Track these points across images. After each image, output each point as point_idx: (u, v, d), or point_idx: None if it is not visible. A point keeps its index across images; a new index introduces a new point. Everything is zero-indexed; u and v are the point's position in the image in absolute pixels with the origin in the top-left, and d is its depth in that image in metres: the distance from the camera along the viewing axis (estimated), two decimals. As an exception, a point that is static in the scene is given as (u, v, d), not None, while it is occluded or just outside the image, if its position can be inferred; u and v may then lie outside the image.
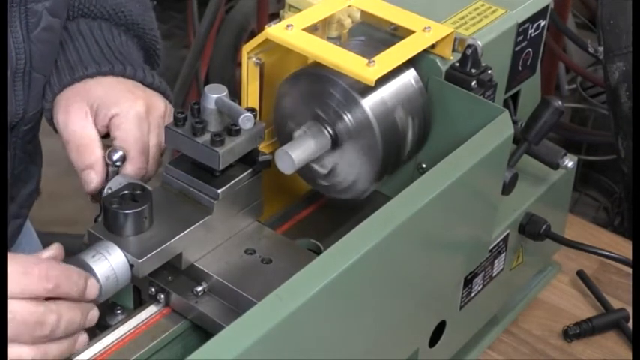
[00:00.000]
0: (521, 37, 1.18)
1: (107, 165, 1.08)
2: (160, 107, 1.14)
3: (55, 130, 1.14)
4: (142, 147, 1.09)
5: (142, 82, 1.15)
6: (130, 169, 1.08)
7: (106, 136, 1.12)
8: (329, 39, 1.10)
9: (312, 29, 1.06)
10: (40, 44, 1.10)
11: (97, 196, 1.09)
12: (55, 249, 0.96)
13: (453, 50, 1.08)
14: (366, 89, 1.02)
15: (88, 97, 1.11)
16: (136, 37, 1.21)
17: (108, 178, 1.07)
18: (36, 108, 1.15)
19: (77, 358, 0.96)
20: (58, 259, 0.95)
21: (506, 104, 1.23)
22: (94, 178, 1.08)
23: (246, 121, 0.97)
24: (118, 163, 1.07)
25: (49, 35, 1.11)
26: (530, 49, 1.21)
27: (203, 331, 1.01)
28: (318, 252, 1.09)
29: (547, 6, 1.21)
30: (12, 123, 1.13)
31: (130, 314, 1.02)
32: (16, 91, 1.10)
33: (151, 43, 1.24)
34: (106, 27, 1.19)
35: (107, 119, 1.10)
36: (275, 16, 1.18)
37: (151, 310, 1.02)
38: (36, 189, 1.30)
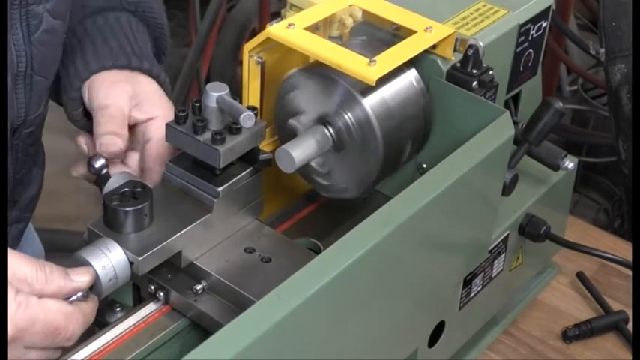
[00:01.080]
0: (523, 38, 1.18)
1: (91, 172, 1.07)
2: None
3: (73, 119, 1.16)
4: (169, 152, 1.11)
5: (165, 90, 1.18)
6: (159, 169, 1.08)
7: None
8: (330, 38, 1.10)
9: (313, 28, 1.06)
10: (42, 47, 1.10)
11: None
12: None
13: (455, 51, 1.08)
14: (367, 89, 1.02)
15: (134, 86, 1.13)
16: (147, 25, 1.24)
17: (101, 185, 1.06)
18: (37, 111, 1.14)
19: (76, 355, 0.96)
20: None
21: (507, 105, 1.23)
22: (120, 143, 1.09)
23: (247, 119, 0.98)
24: (103, 171, 1.06)
25: (50, 37, 1.11)
26: (531, 50, 1.21)
27: (202, 329, 1.01)
28: (317, 251, 1.09)
29: (549, 7, 1.21)
30: (13, 126, 1.13)
31: (129, 312, 1.02)
32: (17, 94, 1.10)
33: (163, 39, 1.26)
34: (134, 21, 1.21)
35: (147, 116, 1.12)
36: (276, 15, 1.18)
37: (150, 307, 1.02)
38: (38, 192, 1.30)
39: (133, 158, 1.14)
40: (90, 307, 0.95)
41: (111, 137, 1.09)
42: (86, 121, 1.17)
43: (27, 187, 1.26)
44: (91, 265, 0.94)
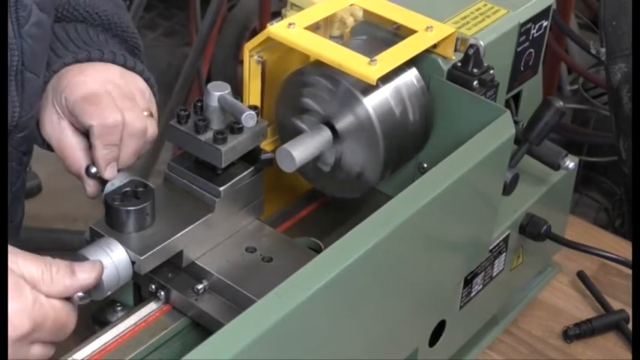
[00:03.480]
0: (524, 37, 1.18)
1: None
2: (140, 84, 1.12)
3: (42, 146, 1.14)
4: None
5: (123, 66, 1.13)
6: (128, 150, 1.05)
7: None
8: (331, 38, 1.10)
9: (314, 28, 1.06)
10: (31, 40, 1.08)
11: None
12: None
13: (455, 50, 1.08)
14: (367, 88, 1.03)
15: (54, 90, 1.09)
16: (116, 36, 1.19)
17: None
18: (29, 112, 1.12)
19: (77, 355, 0.96)
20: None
21: (507, 104, 1.23)
22: (90, 186, 1.06)
23: (248, 119, 0.98)
24: (95, 175, 1.06)
25: (39, 31, 1.09)
26: (532, 50, 1.21)
27: (203, 328, 1.01)
28: (318, 250, 1.09)
29: (549, 6, 1.21)
30: (9, 129, 1.11)
31: (129, 311, 1.02)
32: (10, 93, 1.09)
33: (132, 41, 1.21)
34: (82, 29, 1.17)
35: (63, 102, 1.08)
36: (277, 15, 1.18)
37: (151, 307, 1.03)
38: (22, 217, 1.28)
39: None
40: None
41: (83, 181, 1.07)
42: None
43: (20, 205, 1.24)
44: (88, 259, 0.94)
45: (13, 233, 1.23)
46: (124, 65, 1.12)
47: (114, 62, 1.12)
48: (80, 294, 0.93)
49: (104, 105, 1.04)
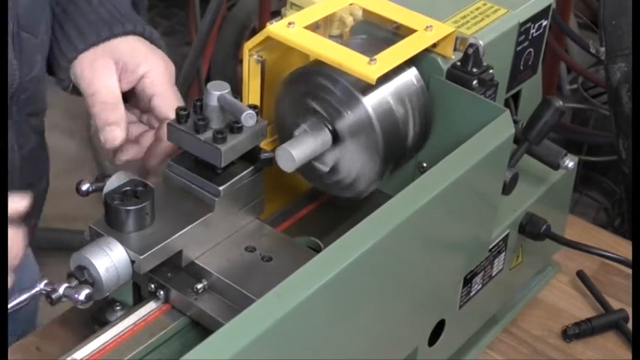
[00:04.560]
0: (523, 36, 1.18)
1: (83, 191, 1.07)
2: (171, 65, 1.18)
3: (67, 88, 1.16)
4: (178, 96, 1.14)
5: (154, 42, 1.18)
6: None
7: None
8: (330, 37, 1.10)
9: (313, 27, 1.06)
10: (25, 0, 1.09)
11: (117, 155, 1.11)
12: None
13: (455, 49, 1.08)
14: (367, 87, 1.03)
15: (113, 55, 1.13)
16: None
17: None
18: (29, 73, 1.13)
19: (76, 355, 0.96)
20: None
21: (507, 104, 1.23)
22: (119, 135, 1.09)
23: (248, 118, 0.98)
24: (85, 193, 1.07)
25: None
26: (531, 49, 1.21)
27: (202, 328, 1.01)
28: (318, 250, 1.09)
29: (549, 6, 1.21)
30: (11, 92, 1.12)
31: (129, 311, 1.02)
32: (8, 55, 1.09)
33: None
34: None
35: (137, 76, 1.13)
36: (277, 14, 1.18)
37: (151, 306, 1.03)
38: (45, 189, 1.29)
39: (147, 137, 1.15)
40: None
41: (110, 130, 1.09)
42: (77, 93, 1.17)
43: (43, 169, 1.25)
44: (92, 264, 0.94)
45: (39, 203, 1.25)
46: (154, 42, 1.18)
47: (150, 39, 1.17)
48: (82, 298, 0.93)
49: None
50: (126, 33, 1.15)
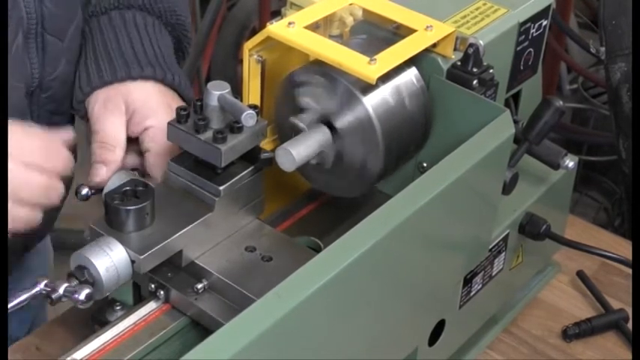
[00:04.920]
0: (523, 36, 1.18)
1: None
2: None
3: (82, 117, 1.16)
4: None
5: (176, 90, 1.16)
6: (161, 179, 1.09)
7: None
8: (330, 37, 1.10)
9: (313, 27, 1.06)
10: (51, 3, 1.09)
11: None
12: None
13: (455, 49, 1.08)
14: (367, 87, 1.03)
15: (126, 99, 1.12)
16: (168, 25, 1.21)
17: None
18: (52, 73, 1.14)
19: (77, 354, 0.96)
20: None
21: (507, 104, 1.23)
22: (103, 174, 1.08)
23: (248, 118, 0.98)
24: (85, 197, 1.08)
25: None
26: (531, 49, 1.21)
27: (202, 328, 1.01)
28: (318, 250, 1.09)
29: (549, 5, 1.21)
30: (29, 89, 1.13)
31: (129, 311, 1.02)
32: (29, 54, 1.09)
33: (182, 30, 1.24)
34: (157, 25, 1.19)
35: (141, 128, 1.11)
36: (277, 14, 1.18)
37: (151, 306, 1.03)
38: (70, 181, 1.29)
39: (129, 160, 1.14)
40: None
41: (97, 168, 1.09)
42: None
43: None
44: (92, 263, 0.94)
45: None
46: (177, 89, 1.16)
47: (172, 86, 1.16)
48: (82, 298, 0.93)
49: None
50: (143, 77, 1.14)
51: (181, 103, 1.14)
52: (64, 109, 1.21)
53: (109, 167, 1.08)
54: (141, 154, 1.13)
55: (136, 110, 1.11)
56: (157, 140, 1.10)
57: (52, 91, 1.16)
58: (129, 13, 1.18)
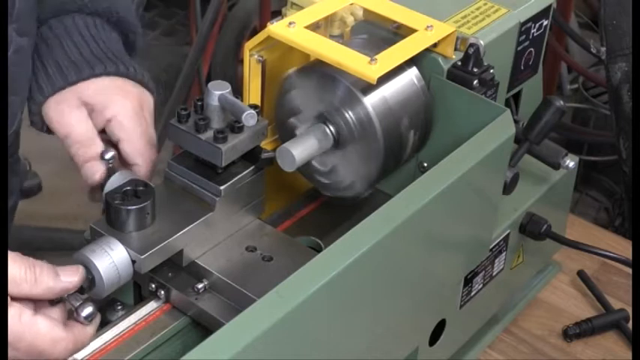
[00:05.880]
0: (524, 36, 1.18)
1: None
2: (150, 102, 1.14)
3: (42, 129, 1.14)
4: (148, 140, 1.10)
5: (132, 79, 1.14)
6: (143, 163, 1.08)
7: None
8: (331, 37, 1.10)
9: (314, 27, 1.06)
10: (12, 67, 1.08)
11: (95, 193, 1.08)
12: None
13: (455, 49, 1.08)
14: (367, 87, 1.03)
15: (80, 96, 1.11)
16: (110, 22, 1.20)
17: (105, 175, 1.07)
18: (12, 128, 1.13)
19: (77, 354, 0.96)
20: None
21: (507, 104, 1.23)
22: (97, 170, 1.07)
23: (249, 118, 0.98)
24: (111, 161, 1.07)
25: (19, 57, 1.09)
26: (532, 49, 1.21)
27: (203, 328, 1.01)
28: (318, 250, 1.09)
29: (550, 5, 1.21)
30: None
31: (129, 310, 1.02)
32: None
33: (126, 26, 1.22)
34: (99, 24, 1.17)
35: (103, 119, 1.10)
36: (277, 14, 1.18)
37: (151, 306, 1.03)
38: (16, 202, 1.28)
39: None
40: (85, 333, 0.94)
41: (88, 167, 1.08)
42: (53, 132, 1.15)
43: (7, 197, 1.24)
44: (93, 263, 0.94)
45: (9, 217, 1.23)
46: (132, 78, 1.14)
47: (126, 76, 1.13)
48: (87, 313, 0.92)
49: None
50: (95, 76, 1.12)
51: (136, 86, 1.14)
52: (17, 152, 1.20)
53: (98, 161, 1.07)
54: (114, 146, 1.12)
55: (92, 105, 1.10)
56: (124, 128, 1.09)
57: (11, 141, 1.15)
58: (68, 19, 1.16)
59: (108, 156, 1.07)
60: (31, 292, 0.89)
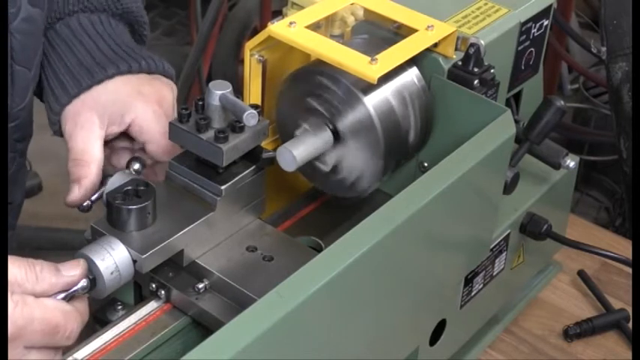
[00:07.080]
0: (524, 36, 1.18)
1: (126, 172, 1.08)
2: (169, 97, 1.15)
3: (56, 134, 1.15)
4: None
5: (147, 73, 1.15)
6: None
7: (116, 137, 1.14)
8: (332, 37, 1.10)
9: (314, 27, 1.06)
10: (20, 35, 1.08)
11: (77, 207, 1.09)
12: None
13: (456, 49, 1.08)
14: (368, 87, 1.03)
15: (96, 107, 1.11)
16: (116, 15, 1.20)
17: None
18: (20, 104, 1.12)
19: (78, 354, 0.96)
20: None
21: (508, 103, 1.23)
22: (75, 193, 1.07)
23: (250, 117, 0.98)
24: (139, 172, 1.09)
25: (29, 26, 1.09)
26: (532, 49, 1.21)
27: (203, 327, 1.01)
28: (319, 250, 1.09)
29: (550, 5, 1.21)
30: None
31: (130, 310, 1.02)
32: None
33: (132, 17, 1.22)
34: (105, 20, 1.18)
35: (124, 126, 1.11)
36: (278, 14, 1.18)
37: (152, 306, 1.03)
38: (22, 199, 1.28)
39: (122, 160, 1.15)
40: (84, 306, 0.94)
41: (71, 185, 1.08)
42: None
43: (20, 186, 1.24)
44: (94, 263, 0.94)
45: (14, 214, 1.24)
46: (147, 72, 1.14)
47: (139, 72, 1.14)
48: (81, 286, 0.92)
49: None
50: (109, 77, 1.12)
51: (153, 82, 1.14)
52: (26, 135, 1.19)
53: (82, 184, 1.07)
54: (132, 149, 1.13)
55: (109, 115, 1.11)
56: (144, 131, 1.11)
57: (20, 121, 1.14)
58: (73, 20, 1.16)
59: (135, 167, 1.09)
60: (35, 290, 0.89)
